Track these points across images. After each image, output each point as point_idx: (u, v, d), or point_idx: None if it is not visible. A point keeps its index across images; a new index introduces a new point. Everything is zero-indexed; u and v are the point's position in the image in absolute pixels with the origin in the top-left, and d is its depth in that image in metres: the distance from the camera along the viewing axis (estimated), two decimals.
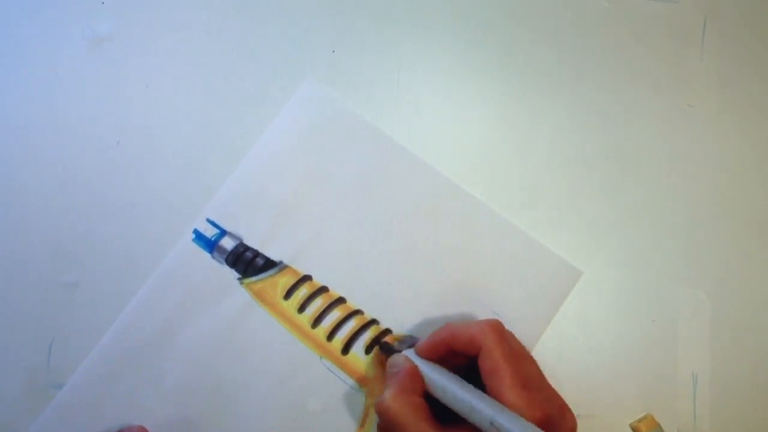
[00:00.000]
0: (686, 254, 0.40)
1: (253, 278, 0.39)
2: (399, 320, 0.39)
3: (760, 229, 0.41)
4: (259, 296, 0.39)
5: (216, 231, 0.40)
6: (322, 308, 0.39)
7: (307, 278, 0.39)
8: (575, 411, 0.36)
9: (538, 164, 0.41)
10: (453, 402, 0.32)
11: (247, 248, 0.39)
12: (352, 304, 0.39)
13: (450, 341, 0.34)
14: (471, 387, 0.33)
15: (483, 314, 0.38)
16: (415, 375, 0.34)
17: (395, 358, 0.36)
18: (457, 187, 0.40)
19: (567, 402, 0.34)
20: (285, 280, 0.39)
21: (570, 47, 0.43)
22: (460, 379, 0.33)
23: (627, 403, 0.38)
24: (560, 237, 0.40)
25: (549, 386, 0.34)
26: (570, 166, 0.41)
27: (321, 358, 0.38)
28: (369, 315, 0.39)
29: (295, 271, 0.39)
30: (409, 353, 0.35)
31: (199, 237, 0.40)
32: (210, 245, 0.39)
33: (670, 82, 0.42)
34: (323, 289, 0.39)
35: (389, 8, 0.43)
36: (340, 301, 0.39)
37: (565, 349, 0.39)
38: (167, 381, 0.38)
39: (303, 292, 0.39)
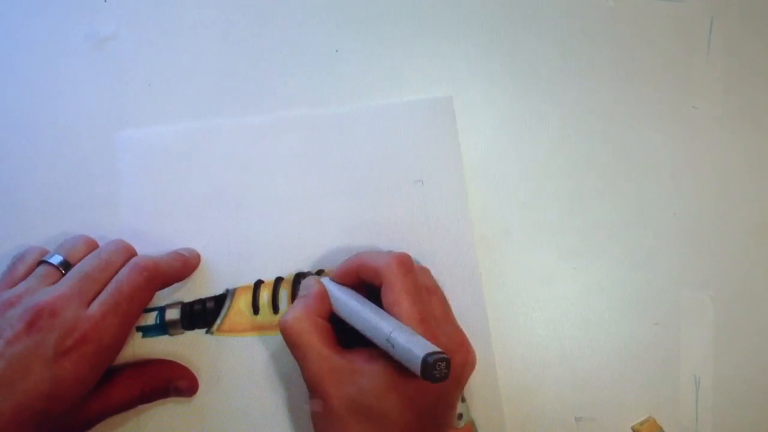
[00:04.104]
0: (690, 257, 0.40)
1: (217, 322, 0.38)
2: (353, 250, 0.39)
3: (764, 232, 0.40)
4: (233, 330, 0.38)
5: (154, 312, 0.38)
6: (291, 294, 0.39)
7: (258, 283, 0.39)
8: (578, 414, 0.37)
9: (542, 164, 0.41)
10: (355, 320, 0.33)
11: (191, 304, 0.39)
12: (310, 271, 0.39)
13: (358, 271, 0.35)
14: (375, 307, 0.33)
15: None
16: (322, 297, 0.35)
17: (306, 281, 0.37)
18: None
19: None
20: (244, 300, 0.39)
21: (575, 47, 0.42)
22: (367, 300, 0.34)
23: (629, 406, 0.38)
24: (563, 238, 0.40)
25: (452, 323, 0.36)
26: (574, 166, 0.41)
27: None
28: (329, 267, 0.39)
29: (244, 287, 0.39)
30: (324, 280, 0.36)
31: (146, 330, 0.38)
32: (160, 328, 0.38)
33: (676, 83, 0.42)
34: (279, 280, 0.39)
35: (393, 9, 0.42)
36: (300, 276, 0.39)
37: (567, 352, 0.39)
38: None
39: (265, 296, 0.39)
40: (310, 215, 0.40)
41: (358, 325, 0.33)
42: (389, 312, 0.32)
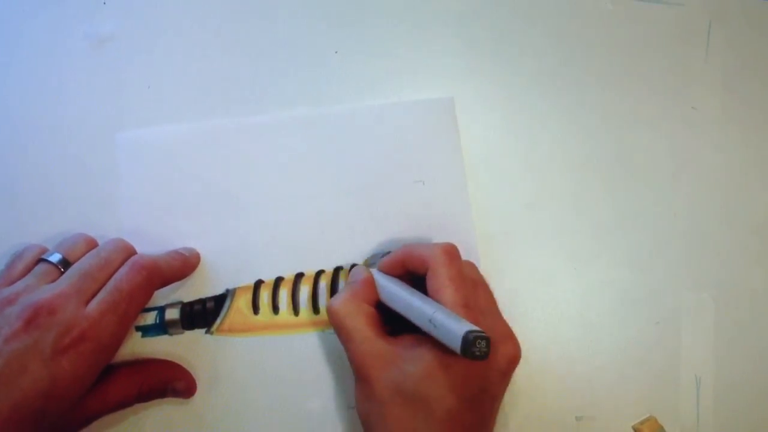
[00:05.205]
0: (690, 257, 0.40)
1: (217, 322, 0.38)
2: (353, 251, 0.39)
3: (764, 232, 0.41)
4: (233, 330, 0.38)
5: (154, 312, 0.38)
6: (291, 294, 0.39)
7: (259, 283, 0.39)
8: (578, 413, 0.37)
9: (542, 165, 0.41)
10: (399, 304, 0.34)
11: (191, 304, 0.38)
12: (310, 271, 0.39)
13: (405, 260, 0.35)
14: (419, 293, 0.33)
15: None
16: (370, 284, 0.35)
17: (355, 269, 0.37)
18: None
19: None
20: (244, 300, 0.39)
21: (575, 48, 0.42)
22: (412, 288, 0.34)
23: (629, 406, 0.38)
24: (564, 238, 0.40)
25: (497, 314, 0.36)
26: (573, 167, 0.41)
27: (324, 330, 0.38)
28: (329, 268, 0.39)
29: (244, 287, 0.39)
30: (372, 269, 0.36)
31: (146, 330, 0.38)
32: (160, 328, 0.38)
33: (675, 84, 0.42)
34: (279, 280, 0.39)
35: (392, 9, 0.42)
36: (300, 276, 0.39)
37: (568, 351, 0.39)
38: None
39: (265, 296, 0.39)
40: (310, 216, 0.39)
41: (402, 310, 0.33)
42: (433, 298, 0.33)
